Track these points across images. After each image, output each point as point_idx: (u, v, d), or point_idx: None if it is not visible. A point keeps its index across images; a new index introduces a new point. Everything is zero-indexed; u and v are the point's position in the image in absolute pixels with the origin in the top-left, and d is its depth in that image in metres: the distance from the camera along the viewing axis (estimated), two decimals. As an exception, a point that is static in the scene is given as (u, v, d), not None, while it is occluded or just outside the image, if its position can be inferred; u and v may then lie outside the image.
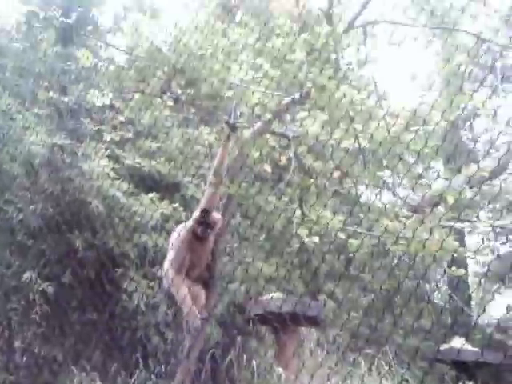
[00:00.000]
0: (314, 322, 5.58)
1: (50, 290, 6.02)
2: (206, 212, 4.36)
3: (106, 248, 6.49)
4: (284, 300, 5.23)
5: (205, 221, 4.37)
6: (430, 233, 3.73)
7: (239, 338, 5.75)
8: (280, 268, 6.51)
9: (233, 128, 4.40)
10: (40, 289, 6.02)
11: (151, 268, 6.59)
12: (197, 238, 4.45)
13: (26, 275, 6.06)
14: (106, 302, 6.44)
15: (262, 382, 5.01)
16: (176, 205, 6.60)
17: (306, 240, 4.15)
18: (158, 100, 6.14)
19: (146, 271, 6.55)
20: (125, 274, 6.37)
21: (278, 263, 6.29)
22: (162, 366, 5.62)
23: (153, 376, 5.63)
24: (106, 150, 6.97)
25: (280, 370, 4.92)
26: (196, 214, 4.48)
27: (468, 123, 10.62)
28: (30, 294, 6.06)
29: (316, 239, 4.13)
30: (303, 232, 4.23)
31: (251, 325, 6.22)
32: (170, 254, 4.57)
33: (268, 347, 6.31)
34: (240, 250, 6.41)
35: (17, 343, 6.69)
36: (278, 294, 5.60)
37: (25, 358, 6.40)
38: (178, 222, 6.95)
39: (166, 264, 4.55)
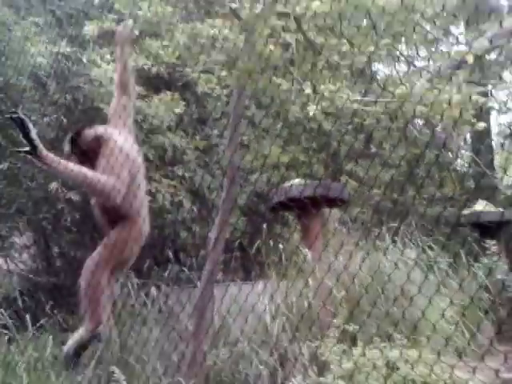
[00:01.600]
0: (335, 203, 5.64)
1: (76, 198, 6.16)
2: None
3: (124, 152, 6.53)
4: (305, 185, 5.24)
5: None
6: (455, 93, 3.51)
7: (264, 226, 5.88)
8: (299, 154, 6.46)
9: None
10: (66, 197, 6.16)
11: (171, 167, 6.66)
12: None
13: (52, 185, 6.19)
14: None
15: (289, 264, 5.18)
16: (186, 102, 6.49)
17: (322, 121, 4.03)
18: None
19: (166, 171, 6.62)
20: (146, 175, 6.44)
21: (297, 150, 6.24)
22: (193, 259, 5.84)
23: (184, 269, 5.87)
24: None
25: (306, 250, 5.06)
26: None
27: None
28: (57, 203, 6.24)
29: (332, 122, 3.98)
30: (319, 114, 4.11)
31: (275, 213, 6.32)
32: None
33: (293, 232, 6.45)
34: (258, 140, 6.35)
35: (54, 249, 7.03)
36: (298, 180, 5.61)
37: (62, 263, 6.73)
38: (194, 120, 6.91)
39: None
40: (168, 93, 6.52)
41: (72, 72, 6.51)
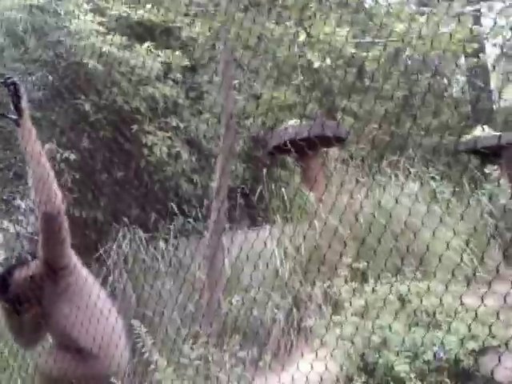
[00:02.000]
0: (332, 141, 5.61)
1: (73, 156, 6.11)
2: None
3: (116, 107, 6.43)
4: (299, 126, 5.19)
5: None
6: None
7: (265, 171, 5.87)
8: (292, 94, 6.35)
9: None
10: (63, 157, 6.11)
11: (164, 118, 6.57)
12: None
13: (46, 146, 6.11)
14: (131, 160, 6.56)
15: (292, 206, 5.21)
16: (174, 51, 6.33)
17: (316, 63, 3.96)
18: None
19: (160, 122, 6.54)
20: (140, 129, 6.37)
21: (290, 90, 6.13)
22: (197, 209, 5.87)
23: (190, 220, 5.91)
24: (88, 3, 6.53)
25: (308, 192, 5.08)
26: None
27: None
28: (55, 163, 6.19)
29: (328, 61, 3.93)
30: (311, 54, 4.03)
31: (274, 156, 6.29)
32: None
33: (293, 174, 6.45)
34: (248, 83, 6.23)
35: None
36: (293, 122, 5.55)
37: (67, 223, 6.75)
38: (181, 67, 6.75)
39: None
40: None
41: (49, 25, 6.29)
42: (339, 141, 5.74)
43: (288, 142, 5.07)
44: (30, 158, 2.68)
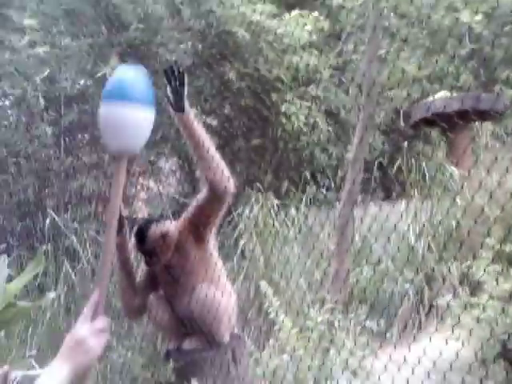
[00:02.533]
0: (487, 115, 5.16)
1: (214, 122, 6.33)
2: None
3: (259, 75, 6.54)
4: (450, 98, 4.84)
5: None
6: None
7: (405, 144, 5.61)
8: (444, 64, 5.90)
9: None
10: (205, 123, 6.35)
11: (305, 88, 6.54)
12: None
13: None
14: (268, 127, 6.65)
15: (432, 182, 4.93)
16: (321, 17, 6.23)
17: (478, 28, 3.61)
18: None
19: (301, 92, 6.52)
20: (281, 97, 6.41)
21: (442, 59, 5.69)
22: (330, 180, 5.79)
23: (322, 189, 5.85)
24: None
25: (452, 168, 4.76)
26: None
27: None
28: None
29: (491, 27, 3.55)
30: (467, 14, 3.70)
31: (417, 129, 5.96)
32: None
33: (437, 148, 6.08)
34: (397, 51, 5.92)
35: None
36: (443, 93, 5.20)
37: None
38: (325, 36, 6.63)
39: None
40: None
41: (205, -4, 6.52)
42: (495, 115, 5.26)
43: (435, 114, 4.75)
44: (195, 145, 2.55)
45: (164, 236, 2.75)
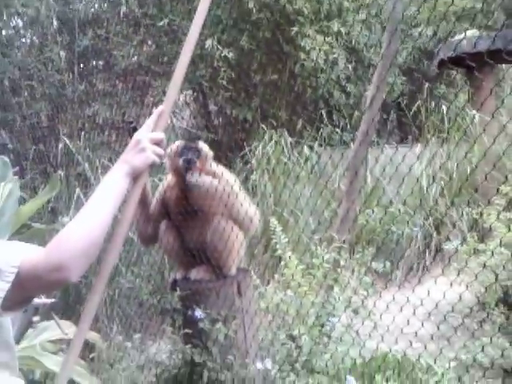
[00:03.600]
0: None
1: (231, 55, 6.17)
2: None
3: (279, 7, 6.29)
4: (480, 37, 4.60)
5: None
6: None
7: (426, 85, 5.44)
8: (475, 1, 5.59)
9: None
10: (222, 55, 6.20)
11: (327, 22, 6.30)
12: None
13: (208, 43, 6.22)
14: (285, 62, 6.47)
15: (452, 126, 4.80)
16: None
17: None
18: None
19: (322, 26, 6.29)
20: (300, 31, 6.19)
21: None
22: (346, 120, 5.68)
23: (337, 130, 5.76)
24: None
25: (474, 112, 4.61)
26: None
27: None
28: (213, 60, 6.31)
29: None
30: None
31: (440, 70, 5.74)
32: None
33: (459, 92, 5.89)
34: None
35: (211, 106, 7.29)
36: (472, 32, 4.94)
37: (220, 119, 6.98)
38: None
39: None
40: None
41: None
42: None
43: (464, 53, 4.52)
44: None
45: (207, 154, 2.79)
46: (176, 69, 1.55)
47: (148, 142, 1.38)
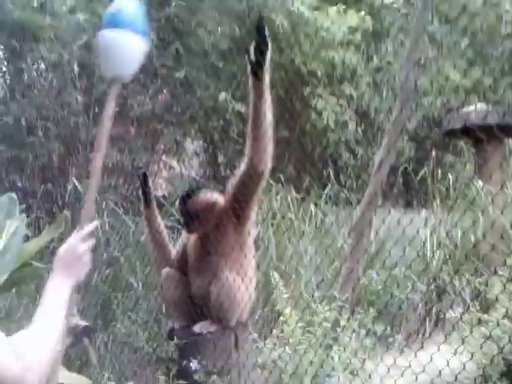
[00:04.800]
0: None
1: (243, 109, 6.30)
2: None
3: (293, 67, 6.49)
4: (489, 111, 4.72)
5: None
6: None
7: (434, 153, 5.53)
8: (485, 77, 5.77)
9: None
10: (235, 109, 6.34)
11: (339, 85, 6.48)
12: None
13: (222, 96, 6.38)
14: (297, 120, 6.60)
15: (458, 195, 4.84)
16: (363, 13, 6.16)
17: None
18: None
19: (334, 88, 6.47)
20: (313, 91, 6.36)
21: (483, 71, 5.57)
22: (353, 181, 5.74)
23: (344, 190, 5.80)
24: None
25: (480, 183, 4.66)
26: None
27: None
28: (226, 113, 6.45)
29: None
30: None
31: (448, 139, 5.85)
32: None
33: (466, 161, 5.97)
34: (437, 59, 5.84)
35: (220, 158, 7.38)
36: (481, 105, 5.08)
37: (228, 171, 7.04)
38: (365, 34, 6.54)
39: None
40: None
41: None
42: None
43: (469, 126, 4.65)
44: (255, 115, 2.56)
45: (213, 204, 2.78)
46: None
47: (81, 243, 1.38)
